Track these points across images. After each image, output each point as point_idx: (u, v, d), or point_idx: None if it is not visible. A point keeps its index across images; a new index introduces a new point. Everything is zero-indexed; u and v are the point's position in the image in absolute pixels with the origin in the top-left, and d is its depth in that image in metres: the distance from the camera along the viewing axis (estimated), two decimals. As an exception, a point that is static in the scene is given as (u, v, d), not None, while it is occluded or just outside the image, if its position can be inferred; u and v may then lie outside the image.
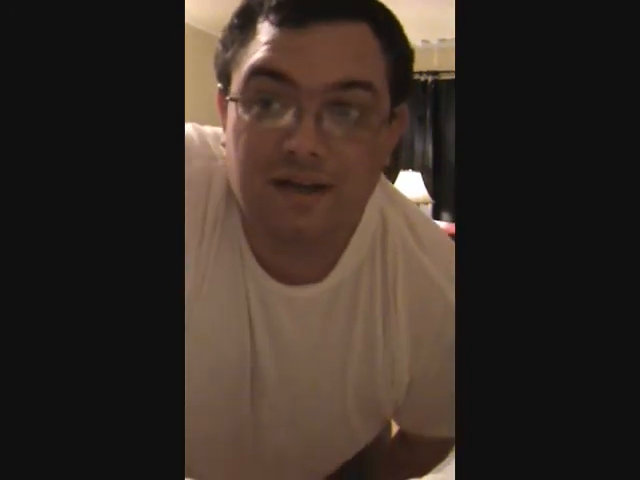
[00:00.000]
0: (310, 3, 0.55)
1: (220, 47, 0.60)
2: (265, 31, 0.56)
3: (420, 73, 4.17)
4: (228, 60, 0.59)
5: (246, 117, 0.56)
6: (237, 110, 0.56)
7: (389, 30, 0.58)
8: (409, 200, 0.73)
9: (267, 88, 0.55)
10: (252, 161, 0.56)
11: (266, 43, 0.55)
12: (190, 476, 0.64)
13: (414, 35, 4.30)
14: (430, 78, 4.22)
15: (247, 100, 0.56)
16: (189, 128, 0.68)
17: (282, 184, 0.55)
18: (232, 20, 0.59)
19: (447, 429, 0.70)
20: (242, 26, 0.58)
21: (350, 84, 0.54)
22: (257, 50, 0.55)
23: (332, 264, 0.64)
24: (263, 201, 0.56)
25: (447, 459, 0.59)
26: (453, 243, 0.66)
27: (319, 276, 0.64)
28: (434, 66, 4.11)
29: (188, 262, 0.62)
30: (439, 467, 0.58)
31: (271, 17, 0.55)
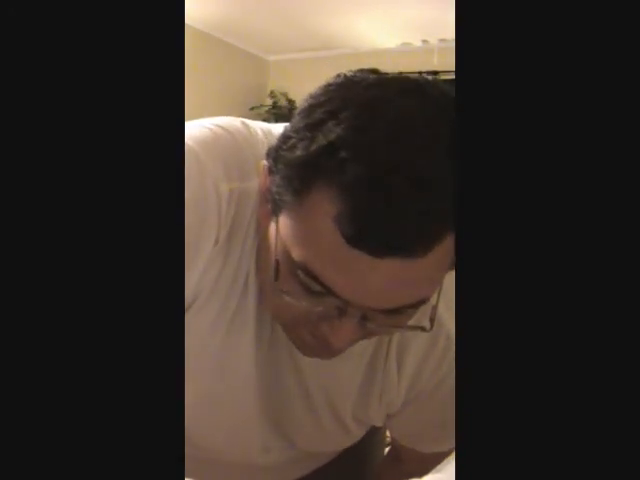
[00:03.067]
0: (394, 237, 0.44)
1: (282, 167, 0.49)
2: (333, 239, 0.45)
3: (420, 73, 4.16)
4: (283, 201, 0.49)
5: (286, 281, 0.50)
6: (278, 267, 0.50)
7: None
8: None
9: (312, 287, 0.49)
10: (283, 315, 0.54)
11: (325, 250, 0.46)
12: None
13: (414, 35, 4.32)
14: (430, 78, 4.22)
15: (287, 272, 0.50)
16: (244, 130, 0.59)
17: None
18: (299, 155, 0.47)
19: (436, 445, 0.71)
20: (305, 181, 0.47)
21: (407, 306, 0.49)
22: (311, 246, 0.47)
23: None
24: (292, 335, 0.56)
25: (447, 459, 0.59)
26: None
27: None
28: (434, 66, 4.11)
29: (234, 279, 0.61)
30: (439, 467, 0.58)
31: (342, 227, 0.45)
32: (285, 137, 0.49)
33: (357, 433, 0.74)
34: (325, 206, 0.46)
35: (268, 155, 0.52)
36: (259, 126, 0.61)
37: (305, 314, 0.51)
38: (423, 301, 0.50)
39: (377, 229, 0.44)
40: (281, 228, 0.50)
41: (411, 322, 0.54)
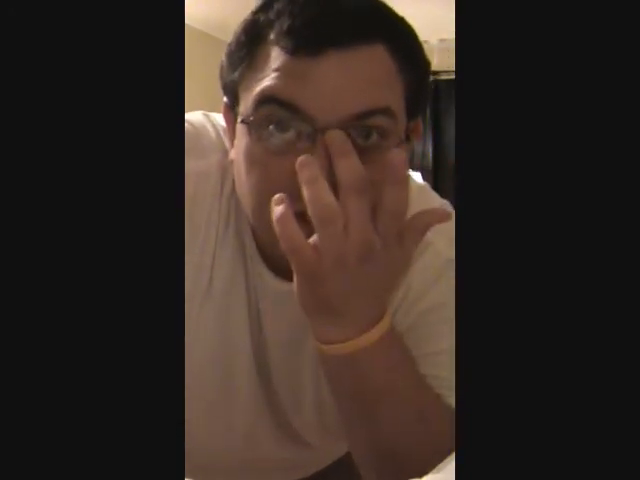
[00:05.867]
0: (323, 29, 0.51)
1: (226, 62, 0.57)
2: (275, 56, 0.53)
3: (420, 73, 4.15)
4: (235, 80, 0.56)
5: (258, 145, 0.53)
6: (248, 135, 0.54)
7: (406, 49, 0.56)
8: (421, 188, 0.71)
9: (279, 116, 0.52)
10: (266, 193, 0.54)
11: (277, 70, 0.52)
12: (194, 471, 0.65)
13: (414, 35, 4.30)
14: (430, 78, 4.22)
15: (258, 125, 0.53)
16: (203, 118, 0.66)
17: (297, 216, 0.53)
18: (239, 36, 0.56)
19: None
20: (250, 45, 0.55)
21: (367, 113, 0.52)
22: (267, 76, 0.52)
23: None
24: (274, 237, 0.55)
25: (447, 459, 0.59)
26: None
27: None
28: (434, 66, 4.10)
29: (201, 257, 0.63)
30: (439, 467, 0.58)
31: (282, 43, 0.52)
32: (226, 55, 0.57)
33: None
34: (269, 48, 0.53)
35: (221, 78, 0.58)
36: (215, 115, 0.67)
37: (283, 178, 0.52)
38: (381, 111, 0.53)
39: (307, 27, 0.51)
40: (243, 101, 0.55)
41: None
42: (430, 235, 0.63)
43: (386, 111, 0.53)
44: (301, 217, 0.53)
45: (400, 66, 0.55)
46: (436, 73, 4.20)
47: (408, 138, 0.57)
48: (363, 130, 0.53)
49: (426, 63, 0.59)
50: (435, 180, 4.24)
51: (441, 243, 0.64)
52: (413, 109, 0.57)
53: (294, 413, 0.71)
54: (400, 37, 0.55)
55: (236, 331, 0.65)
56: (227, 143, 0.64)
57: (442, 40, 4.02)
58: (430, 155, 4.29)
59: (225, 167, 0.63)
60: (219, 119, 0.67)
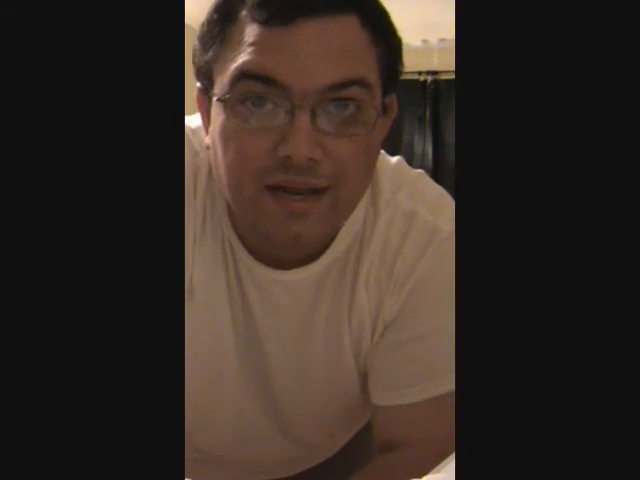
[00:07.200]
0: None
1: (199, 44, 0.57)
2: (249, 30, 0.53)
3: (420, 73, 4.16)
4: (209, 60, 0.56)
5: (235, 121, 0.53)
6: (225, 112, 0.54)
7: (377, 21, 0.56)
8: (397, 163, 0.71)
9: (256, 91, 0.52)
10: (244, 167, 0.54)
11: (252, 44, 0.52)
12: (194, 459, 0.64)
13: (414, 35, 4.30)
14: (430, 78, 4.22)
15: (235, 102, 0.53)
16: None
17: (276, 190, 0.54)
18: (211, 16, 0.56)
19: (421, 390, 0.65)
20: (222, 23, 0.55)
21: (344, 83, 0.52)
22: (242, 52, 0.52)
23: (324, 247, 0.63)
24: (257, 208, 0.55)
25: (447, 459, 0.59)
26: (450, 198, 0.67)
27: (311, 258, 0.63)
28: (434, 66, 4.10)
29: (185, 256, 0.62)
30: (439, 467, 0.58)
31: (255, 15, 0.52)
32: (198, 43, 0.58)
33: (360, 391, 0.69)
34: (242, 24, 0.53)
35: (194, 62, 0.58)
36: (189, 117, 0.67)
37: (262, 150, 0.53)
38: (357, 82, 0.53)
39: None
40: (219, 80, 0.55)
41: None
42: (413, 205, 0.64)
43: (362, 82, 0.53)
44: (276, 191, 0.53)
45: (372, 38, 0.55)
46: (436, 73, 4.20)
47: (384, 112, 0.57)
48: (340, 103, 0.53)
49: (397, 38, 0.59)
50: (435, 180, 4.22)
51: (425, 212, 0.64)
52: (387, 84, 0.57)
53: (295, 408, 0.70)
54: (371, 9, 0.56)
55: (220, 329, 0.65)
56: (196, 144, 0.64)
57: (442, 40, 4.02)
58: (430, 155, 4.29)
59: (196, 167, 0.63)
60: (187, 121, 0.66)
